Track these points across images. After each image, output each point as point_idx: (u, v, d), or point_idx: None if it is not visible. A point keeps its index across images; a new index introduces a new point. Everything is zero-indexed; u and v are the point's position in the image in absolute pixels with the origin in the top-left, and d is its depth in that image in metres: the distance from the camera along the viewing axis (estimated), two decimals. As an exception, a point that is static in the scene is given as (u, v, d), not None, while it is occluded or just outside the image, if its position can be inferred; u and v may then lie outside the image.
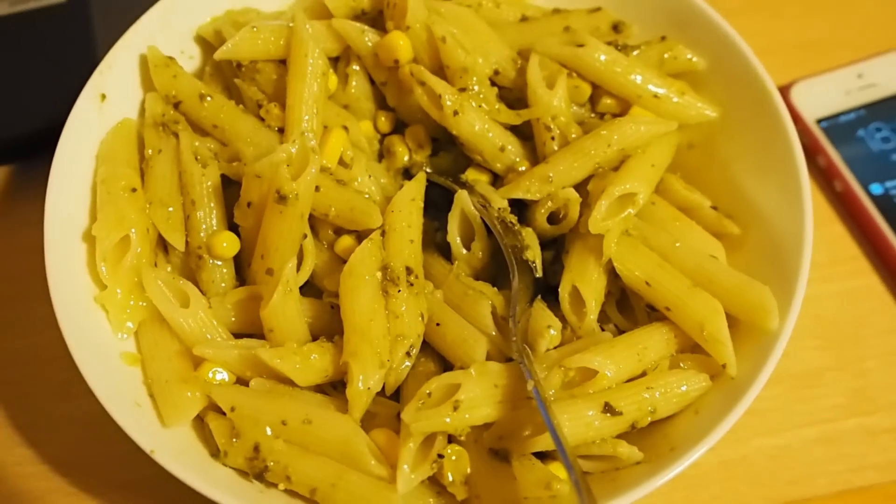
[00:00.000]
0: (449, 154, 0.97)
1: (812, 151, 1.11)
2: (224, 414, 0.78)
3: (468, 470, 0.75)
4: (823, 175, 1.11)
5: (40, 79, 1.07)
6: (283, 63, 0.92)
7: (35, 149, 1.02)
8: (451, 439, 0.77)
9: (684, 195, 0.91)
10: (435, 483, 0.76)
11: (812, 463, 0.95)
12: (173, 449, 0.75)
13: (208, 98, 0.91)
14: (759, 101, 0.90)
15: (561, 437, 0.69)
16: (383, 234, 0.85)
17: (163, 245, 0.89)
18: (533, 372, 0.74)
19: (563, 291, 0.85)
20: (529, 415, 0.75)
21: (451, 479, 0.75)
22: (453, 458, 0.75)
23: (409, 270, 0.83)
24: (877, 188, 1.08)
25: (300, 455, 0.75)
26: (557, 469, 0.76)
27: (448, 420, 0.72)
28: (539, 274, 0.87)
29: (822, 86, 1.15)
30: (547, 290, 0.88)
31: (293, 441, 0.75)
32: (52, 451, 0.93)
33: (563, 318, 0.84)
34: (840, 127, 1.12)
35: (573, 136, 0.91)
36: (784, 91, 1.14)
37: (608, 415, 0.75)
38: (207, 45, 0.99)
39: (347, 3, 0.95)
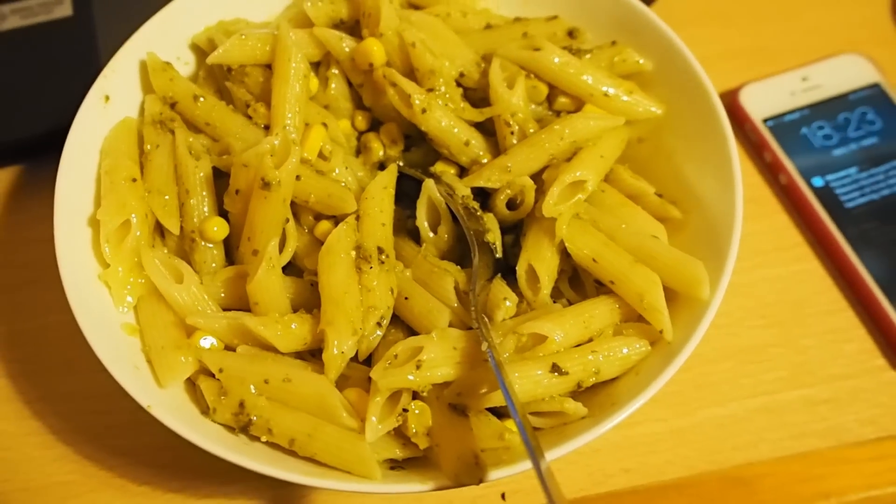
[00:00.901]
0: (420, 149, 1.05)
1: (759, 148, 1.20)
2: (213, 377, 0.86)
3: (430, 423, 0.83)
4: (770, 169, 1.20)
5: (49, 84, 1.15)
6: (268, 67, 1.01)
7: (44, 149, 1.10)
8: (415, 396, 0.85)
9: (631, 183, 0.99)
10: (400, 435, 0.85)
11: (756, 431, 1.02)
12: (168, 406, 0.83)
13: (201, 99, 1.00)
14: (699, 99, 0.98)
15: (511, 393, 0.77)
16: (358, 218, 0.93)
17: (160, 230, 0.97)
18: (487, 336, 0.82)
19: (520, 269, 0.93)
20: (485, 374, 0.83)
21: (414, 430, 0.83)
22: (416, 412, 0.83)
23: (380, 250, 0.92)
24: (818, 181, 1.16)
25: (280, 410, 0.83)
26: (511, 424, 0.84)
27: (411, 377, 0.81)
28: (499, 255, 0.96)
29: (769, 88, 1.24)
30: (508, 270, 0.96)
31: (274, 398, 0.84)
32: (58, 422, 1.02)
33: (520, 294, 0.93)
34: (785, 125, 1.21)
35: (531, 130, 0.99)
36: (734, 93, 1.23)
37: (556, 374, 0.83)
38: (201, 51, 1.08)
39: (327, 13, 1.04)
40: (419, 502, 0.97)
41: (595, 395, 0.87)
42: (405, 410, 0.83)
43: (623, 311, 0.91)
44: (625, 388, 0.86)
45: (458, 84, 1.04)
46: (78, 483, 0.98)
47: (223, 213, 0.97)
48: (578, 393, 0.87)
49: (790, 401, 1.05)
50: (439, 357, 0.82)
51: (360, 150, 1.07)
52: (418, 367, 0.81)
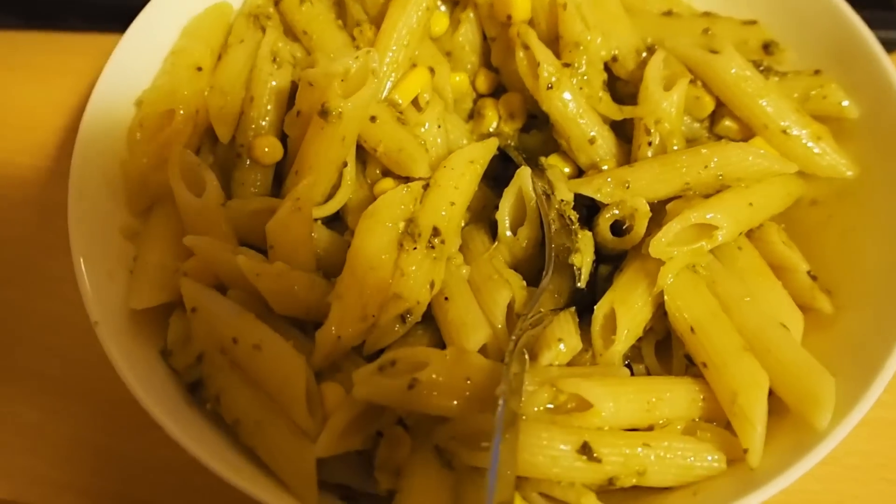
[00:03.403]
0: (541, 134, 0.88)
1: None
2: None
3: (404, 460, 0.65)
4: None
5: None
6: (395, -9, 0.86)
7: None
8: (400, 421, 0.67)
9: (780, 250, 0.77)
10: (367, 461, 0.67)
11: None
12: (118, 329, 0.70)
13: (308, 3, 0.86)
14: (906, 173, 0.75)
15: (508, 457, 0.58)
16: (426, 187, 0.77)
17: (212, 136, 0.84)
18: (509, 377, 0.63)
19: (599, 310, 0.74)
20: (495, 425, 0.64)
21: (380, 463, 0.65)
22: (393, 440, 0.65)
23: (436, 232, 0.74)
24: None
25: (237, 381, 0.68)
26: (518, 501, 0.65)
27: (397, 395, 0.63)
28: (581, 284, 0.76)
29: None
30: (588, 308, 0.76)
31: (238, 363, 0.69)
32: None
33: (589, 342, 0.73)
34: None
35: (674, 147, 0.79)
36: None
37: (584, 457, 0.63)
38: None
39: (481, -57, 0.87)
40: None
41: (629, 501, 0.66)
42: (380, 434, 0.65)
43: (707, 406, 0.70)
44: (673, 510, 0.64)
45: (607, 69, 0.85)
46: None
47: (284, 138, 0.82)
48: (610, 491, 0.66)
49: None
50: (444, 384, 0.64)
51: (473, 114, 0.91)
52: (410, 387, 0.62)
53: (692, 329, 0.70)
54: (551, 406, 0.67)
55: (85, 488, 0.83)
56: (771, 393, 0.68)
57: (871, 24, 0.86)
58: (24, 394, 0.88)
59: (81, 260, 0.72)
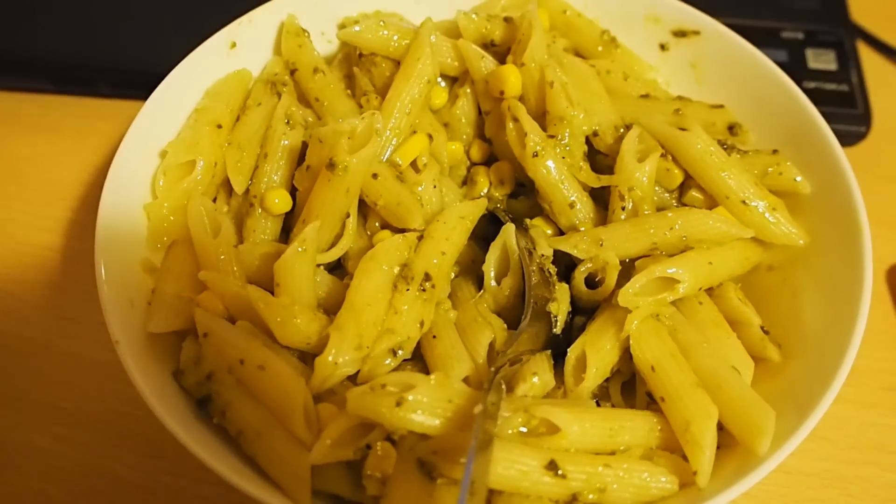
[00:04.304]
0: (528, 200, 0.96)
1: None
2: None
3: (390, 471, 0.71)
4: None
5: (184, 24, 1.10)
6: (400, 64, 0.95)
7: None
8: (389, 437, 0.73)
9: (736, 305, 0.84)
10: (357, 473, 0.73)
11: None
12: (137, 350, 0.76)
13: (321, 73, 0.96)
14: (849, 242, 0.83)
15: (482, 471, 0.64)
16: (421, 238, 0.85)
17: (228, 188, 0.93)
18: (486, 399, 0.70)
19: (571, 353, 0.81)
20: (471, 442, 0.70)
21: (369, 473, 0.71)
22: (379, 452, 0.71)
23: (427, 277, 0.82)
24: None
25: (242, 396, 0.75)
26: (491, 515, 0.71)
27: (385, 411, 0.69)
28: (556, 330, 0.84)
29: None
30: (564, 355, 0.83)
31: (244, 382, 0.75)
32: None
33: (562, 381, 0.80)
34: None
35: (645, 212, 0.87)
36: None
37: (550, 472, 0.69)
38: (346, 34, 1.03)
39: (478, 29, 0.96)
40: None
41: (590, 520, 0.72)
42: (368, 447, 0.71)
43: (663, 436, 0.76)
44: (628, 526, 0.70)
45: (588, 142, 0.93)
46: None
47: (293, 193, 0.90)
48: (571, 509, 0.72)
49: None
50: (428, 404, 0.70)
51: (467, 181, 0.98)
52: (398, 405, 0.69)
53: (653, 368, 0.77)
54: (524, 430, 0.73)
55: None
56: (721, 429, 0.74)
57: (833, 119, 0.94)
58: (38, 423, 0.94)
59: (105, 287, 0.78)
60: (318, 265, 0.85)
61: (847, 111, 1.17)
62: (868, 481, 0.91)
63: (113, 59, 1.21)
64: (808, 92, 0.94)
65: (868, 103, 1.18)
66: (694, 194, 0.90)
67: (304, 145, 0.91)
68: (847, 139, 1.12)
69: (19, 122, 1.23)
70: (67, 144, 1.20)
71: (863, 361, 0.83)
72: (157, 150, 0.91)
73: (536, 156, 0.88)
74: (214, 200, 0.92)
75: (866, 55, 1.31)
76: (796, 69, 1.20)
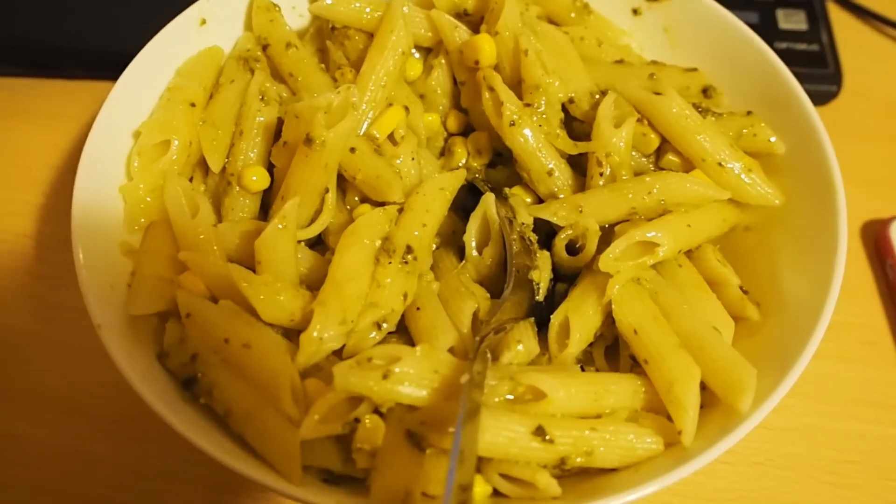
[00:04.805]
0: (506, 169, 0.96)
1: (896, 290, 1.03)
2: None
3: (379, 443, 0.72)
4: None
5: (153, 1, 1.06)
6: (373, 36, 0.94)
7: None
8: (376, 410, 0.74)
9: (714, 266, 0.85)
10: (346, 448, 0.74)
11: None
12: (120, 333, 0.76)
13: (294, 48, 0.95)
14: (824, 200, 0.84)
15: (470, 440, 0.65)
16: (401, 211, 0.85)
17: (204, 167, 0.92)
18: (473, 368, 0.70)
19: (555, 319, 0.81)
20: (459, 411, 0.71)
21: (358, 446, 0.72)
22: (368, 425, 0.72)
23: (409, 249, 0.82)
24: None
25: (229, 376, 0.75)
26: (478, 481, 0.72)
27: (373, 384, 0.69)
28: (539, 297, 0.84)
29: (929, 228, 1.06)
30: (548, 323, 0.84)
31: (229, 361, 0.75)
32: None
33: (546, 348, 0.81)
34: (936, 273, 1.03)
35: (623, 177, 0.88)
36: (885, 224, 1.06)
37: (538, 438, 0.70)
38: (319, 8, 1.03)
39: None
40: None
41: (580, 483, 0.73)
42: (357, 421, 0.72)
43: (648, 397, 0.77)
44: (618, 484, 0.71)
45: (564, 110, 0.93)
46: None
47: (272, 168, 0.90)
48: (563, 476, 0.73)
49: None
50: (414, 375, 0.71)
51: (444, 152, 0.99)
52: (385, 377, 0.69)
53: (635, 331, 0.78)
54: (511, 397, 0.73)
55: (82, 496, 0.88)
56: (703, 388, 0.75)
57: (804, 79, 0.94)
58: (25, 411, 0.93)
59: (84, 272, 0.78)
60: (299, 241, 0.85)
61: (818, 71, 1.19)
62: (848, 434, 0.94)
63: (81, 40, 1.19)
64: (779, 52, 0.95)
65: (839, 63, 1.20)
66: (671, 158, 0.91)
67: (280, 121, 0.90)
68: (819, 99, 1.13)
69: (-13, 108, 1.21)
70: (38, 128, 1.18)
71: (840, 317, 0.84)
72: (130, 131, 0.90)
73: (513, 125, 0.88)
74: (191, 180, 0.91)
75: (836, 14, 1.32)
76: (767, 30, 1.21)
